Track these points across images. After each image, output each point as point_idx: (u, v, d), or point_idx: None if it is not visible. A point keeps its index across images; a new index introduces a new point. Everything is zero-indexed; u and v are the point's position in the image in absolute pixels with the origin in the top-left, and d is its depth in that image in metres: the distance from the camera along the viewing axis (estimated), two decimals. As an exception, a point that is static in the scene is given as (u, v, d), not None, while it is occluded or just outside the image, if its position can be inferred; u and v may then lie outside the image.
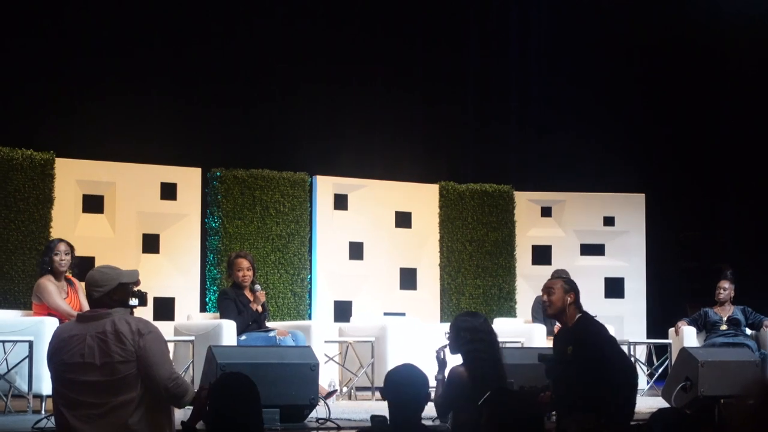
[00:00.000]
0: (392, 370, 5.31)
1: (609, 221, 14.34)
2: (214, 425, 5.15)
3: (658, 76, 15.08)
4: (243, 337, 9.62)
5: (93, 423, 5.34)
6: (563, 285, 7.31)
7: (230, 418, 5.02)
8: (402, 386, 5.17)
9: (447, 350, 6.87)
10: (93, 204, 11.92)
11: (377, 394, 10.49)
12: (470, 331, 6.70)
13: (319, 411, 7.87)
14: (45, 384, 8.14)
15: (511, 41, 15.12)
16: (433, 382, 6.27)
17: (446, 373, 6.91)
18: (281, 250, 12.73)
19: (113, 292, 5.60)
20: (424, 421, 5.23)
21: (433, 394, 7.76)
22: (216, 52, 13.14)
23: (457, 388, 6.47)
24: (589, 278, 13.54)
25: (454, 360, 6.84)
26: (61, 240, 9.40)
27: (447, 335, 6.83)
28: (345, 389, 10.75)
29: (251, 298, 9.93)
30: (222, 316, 9.84)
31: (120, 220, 11.97)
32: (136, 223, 12.07)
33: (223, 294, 10.10)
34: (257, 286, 9.99)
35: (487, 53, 15.04)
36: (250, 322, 9.81)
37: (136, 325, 5.43)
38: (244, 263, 10.00)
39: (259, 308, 9.92)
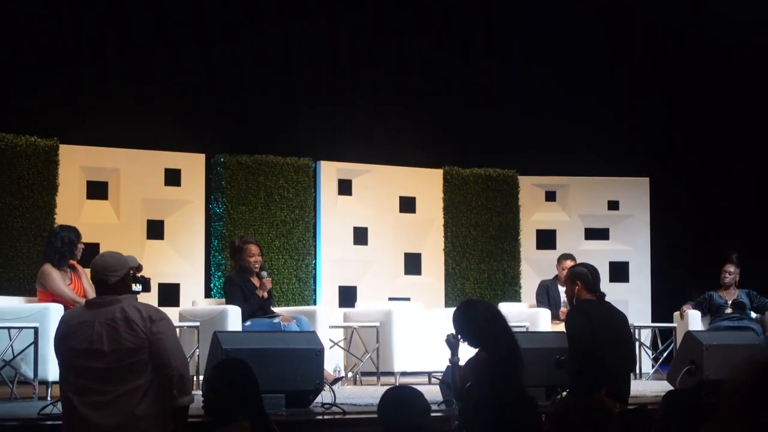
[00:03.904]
0: (388, 391, 5.14)
1: (613, 205, 14.33)
2: (214, 411, 5.16)
3: (662, 59, 15.05)
4: (248, 323, 9.62)
5: (100, 410, 5.33)
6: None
7: (228, 403, 5.03)
8: (399, 412, 4.91)
9: (457, 335, 6.85)
10: (97, 190, 11.93)
11: (383, 379, 10.50)
12: (479, 322, 6.68)
13: (325, 396, 7.87)
14: (51, 370, 8.14)
15: (516, 26, 15.09)
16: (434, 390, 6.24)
17: (460, 356, 6.89)
18: (286, 235, 12.74)
19: (126, 276, 5.60)
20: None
21: (443, 379, 7.79)
22: (220, 38, 13.12)
23: (479, 372, 6.45)
24: (593, 262, 13.43)
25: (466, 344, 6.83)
26: (77, 230, 9.34)
27: (460, 338, 6.80)
28: (350, 374, 10.75)
29: (257, 284, 9.92)
30: (228, 302, 9.83)
31: (124, 206, 11.97)
32: (141, 209, 12.08)
33: (229, 280, 10.07)
34: (264, 273, 9.98)
35: (490, 38, 15.02)
36: (257, 309, 9.81)
37: (147, 312, 5.43)
38: (255, 249, 9.99)
39: (265, 294, 9.92)
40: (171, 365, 5.36)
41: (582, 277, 7.94)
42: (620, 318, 8.10)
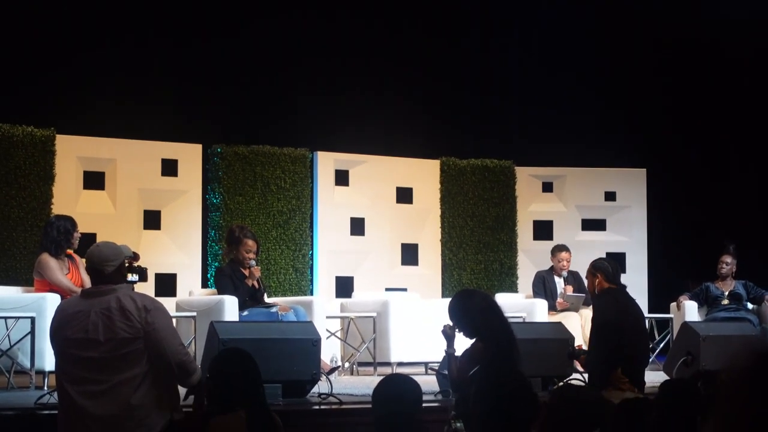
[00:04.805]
0: (383, 379, 5.14)
1: (610, 196, 14.34)
2: (214, 400, 5.16)
3: (661, 52, 15.04)
4: (245, 313, 9.62)
5: (96, 400, 5.34)
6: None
7: (228, 393, 5.03)
8: (389, 402, 4.89)
9: (453, 326, 6.86)
10: (94, 180, 11.92)
11: (379, 370, 10.50)
12: (474, 312, 6.68)
13: (321, 386, 7.88)
14: (47, 360, 8.14)
15: (513, 17, 15.07)
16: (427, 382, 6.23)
17: (456, 347, 6.90)
18: (282, 226, 12.73)
19: (121, 266, 5.60)
20: (426, 396, 5.16)
21: (440, 367, 7.79)
22: (217, 29, 13.11)
23: (475, 363, 6.46)
24: (590, 253, 13.50)
25: (462, 335, 6.84)
26: (73, 219, 9.33)
27: (455, 329, 6.81)
28: (347, 365, 10.75)
29: (247, 274, 9.92)
30: (219, 293, 9.83)
31: (121, 196, 11.97)
32: (137, 199, 12.08)
33: (220, 271, 10.09)
34: (252, 262, 9.98)
35: (488, 29, 15.00)
36: (247, 298, 9.80)
37: (142, 302, 5.43)
38: (253, 245, 9.96)
39: (255, 284, 9.92)
40: (166, 354, 5.37)
41: (603, 269, 8.16)
42: (639, 310, 8.32)
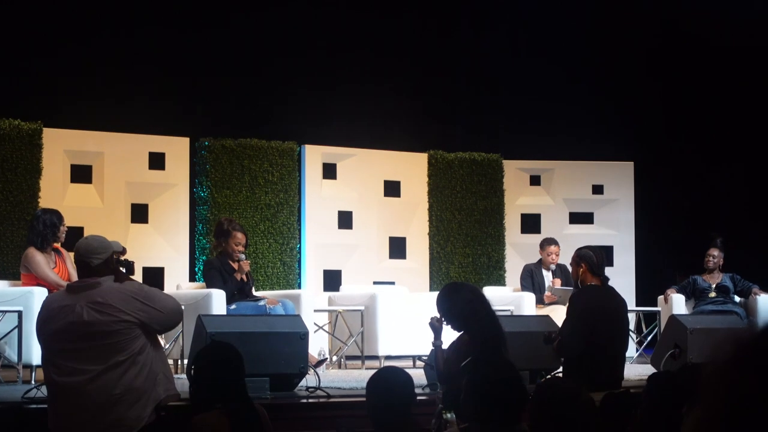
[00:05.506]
0: (378, 371, 5.14)
1: (598, 189, 14.34)
2: (198, 393, 5.16)
3: (649, 44, 15.05)
4: (233, 306, 9.61)
5: (85, 388, 5.38)
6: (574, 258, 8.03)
7: (213, 386, 5.03)
8: (385, 392, 4.90)
9: (441, 318, 6.88)
10: (81, 174, 11.90)
11: (367, 363, 10.51)
12: (462, 305, 6.69)
13: (309, 380, 7.88)
14: (35, 354, 8.12)
15: (502, 10, 15.07)
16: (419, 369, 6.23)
17: (443, 339, 6.91)
18: (270, 219, 12.72)
19: (109, 260, 5.62)
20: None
21: (429, 361, 7.80)
22: (205, 21, 13.08)
23: (462, 356, 6.47)
24: (577, 246, 13.55)
25: (449, 327, 6.85)
26: (59, 212, 9.31)
27: (442, 321, 6.83)
28: (335, 358, 10.76)
29: (236, 267, 9.91)
30: (207, 286, 9.82)
31: (108, 190, 11.95)
32: (125, 192, 12.06)
33: (209, 264, 10.08)
34: (242, 256, 9.98)
35: (477, 22, 15.00)
36: (235, 292, 9.80)
37: (128, 293, 5.45)
38: (242, 238, 9.97)
39: (244, 277, 9.91)
40: (172, 322, 5.67)
41: (587, 259, 7.94)
42: (621, 303, 8.05)
